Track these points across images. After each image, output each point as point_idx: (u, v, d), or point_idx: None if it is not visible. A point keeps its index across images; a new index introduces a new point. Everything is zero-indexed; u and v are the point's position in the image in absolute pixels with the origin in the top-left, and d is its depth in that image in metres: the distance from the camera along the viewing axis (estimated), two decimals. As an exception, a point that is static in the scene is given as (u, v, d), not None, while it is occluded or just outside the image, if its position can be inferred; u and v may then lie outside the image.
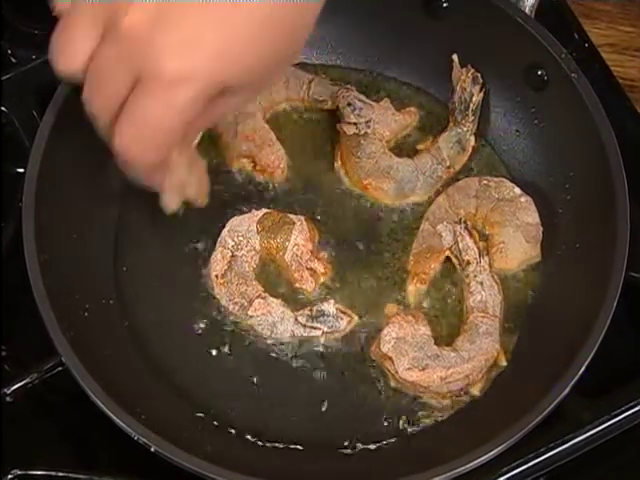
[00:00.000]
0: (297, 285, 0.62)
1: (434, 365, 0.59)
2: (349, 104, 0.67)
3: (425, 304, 0.63)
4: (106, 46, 0.42)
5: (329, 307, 0.61)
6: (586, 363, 0.55)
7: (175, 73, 0.40)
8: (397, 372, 0.59)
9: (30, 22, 0.71)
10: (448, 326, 0.62)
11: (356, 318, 0.62)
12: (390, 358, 0.59)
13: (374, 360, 0.61)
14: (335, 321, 0.61)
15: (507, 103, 0.68)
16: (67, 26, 0.43)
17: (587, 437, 0.57)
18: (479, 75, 0.67)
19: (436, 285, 0.64)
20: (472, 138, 0.68)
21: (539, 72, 0.64)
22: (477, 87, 0.67)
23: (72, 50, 0.43)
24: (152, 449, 0.52)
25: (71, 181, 0.61)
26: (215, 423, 0.59)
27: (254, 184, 0.66)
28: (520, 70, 0.66)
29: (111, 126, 0.44)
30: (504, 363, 0.61)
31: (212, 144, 0.66)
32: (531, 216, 0.64)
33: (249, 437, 0.59)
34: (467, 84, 0.67)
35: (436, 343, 0.60)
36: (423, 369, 0.59)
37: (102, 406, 0.53)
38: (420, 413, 0.59)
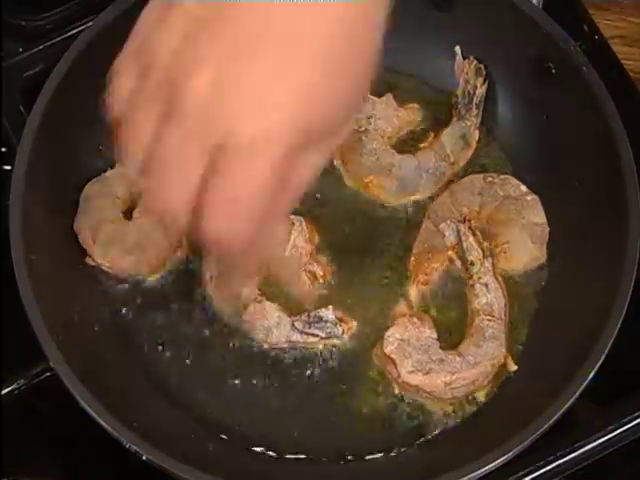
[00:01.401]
0: (294, 289, 0.62)
1: (438, 369, 0.59)
2: (350, 99, 0.67)
3: (427, 306, 0.63)
4: (172, 125, 0.40)
5: (327, 313, 0.61)
6: (596, 368, 0.55)
7: (253, 137, 0.39)
8: (399, 375, 0.59)
9: (17, 13, 0.71)
10: (451, 329, 0.62)
11: (355, 324, 0.62)
12: (393, 360, 0.59)
13: (375, 366, 0.61)
14: (333, 327, 0.61)
15: (514, 97, 0.67)
16: (131, 124, 0.41)
17: (598, 445, 0.57)
18: (482, 67, 0.67)
19: (439, 286, 0.63)
20: (476, 133, 0.67)
21: (547, 65, 0.64)
22: (480, 79, 0.67)
23: (137, 131, 0.41)
24: (143, 457, 0.52)
25: (59, 178, 0.61)
26: (209, 431, 0.58)
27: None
28: (528, 63, 0.65)
29: (190, 216, 0.42)
30: (514, 368, 0.60)
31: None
32: (537, 215, 0.64)
33: (244, 445, 0.58)
34: (470, 76, 0.67)
35: (440, 347, 0.60)
36: (427, 373, 0.59)
37: (92, 413, 0.52)
38: (423, 421, 0.59)
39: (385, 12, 0.43)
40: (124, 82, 0.42)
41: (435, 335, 0.60)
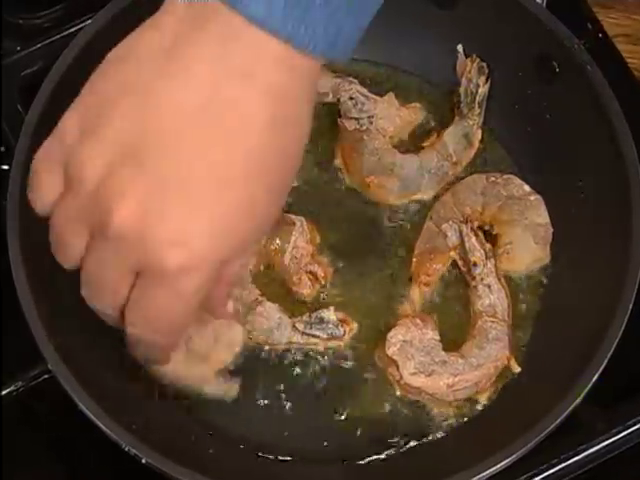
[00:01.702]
0: (295, 289, 0.62)
1: (441, 371, 0.58)
2: (351, 98, 0.66)
3: (429, 307, 0.62)
4: (98, 245, 0.43)
5: (329, 314, 0.60)
6: (600, 370, 0.54)
7: (176, 266, 0.41)
8: (402, 377, 0.59)
9: (16, 11, 0.70)
10: (454, 331, 0.61)
11: (356, 326, 0.62)
12: (395, 362, 0.59)
13: (377, 367, 0.60)
14: (335, 329, 0.60)
15: (516, 96, 0.67)
16: (58, 230, 0.44)
17: (601, 448, 0.56)
18: (484, 65, 0.67)
19: (441, 287, 0.63)
20: (479, 132, 0.67)
21: (550, 63, 0.64)
22: (483, 78, 0.67)
23: (65, 249, 0.44)
24: (143, 460, 0.51)
25: None
26: (210, 433, 0.58)
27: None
28: (530, 61, 0.65)
29: (119, 315, 0.46)
30: (517, 369, 0.60)
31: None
32: (541, 216, 0.64)
33: (244, 447, 0.58)
34: (473, 75, 0.67)
35: (442, 349, 0.60)
36: (429, 375, 0.58)
37: (91, 415, 0.52)
38: (425, 423, 0.59)
39: (315, 79, 0.43)
40: (48, 183, 0.43)
41: (438, 337, 0.60)
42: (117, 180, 0.41)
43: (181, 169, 0.40)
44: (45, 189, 0.44)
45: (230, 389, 0.59)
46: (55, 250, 0.45)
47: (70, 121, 0.43)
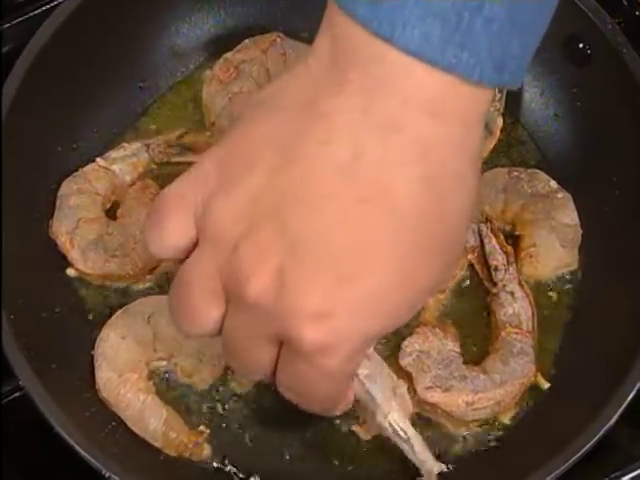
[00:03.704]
0: None
1: (460, 387, 0.57)
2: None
3: (445, 316, 0.61)
4: (235, 315, 0.42)
5: None
6: (636, 388, 0.54)
7: (317, 344, 0.41)
8: (415, 392, 0.57)
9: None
10: (473, 343, 0.61)
11: None
12: (408, 374, 0.58)
13: None
14: None
15: (544, 81, 0.66)
16: (186, 294, 0.44)
17: (638, 475, 0.55)
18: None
19: (458, 295, 0.62)
20: (500, 120, 0.66)
21: (581, 45, 0.64)
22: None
23: (198, 316, 0.44)
24: (124, 489, 0.51)
25: (31, 177, 0.60)
26: (192, 458, 0.57)
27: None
28: (559, 43, 0.64)
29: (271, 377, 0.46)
30: (546, 385, 0.59)
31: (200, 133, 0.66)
32: (569, 215, 0.63)
33: (239, 470, 0.57)
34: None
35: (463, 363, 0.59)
36: (446, 390, 0.57)
37: (67, 438, 0.52)
38: (441, 447, 0.58)
39: (478, 120, 0.41)
40: (176, 226, 0.43)
41: (458, 349, 0.59)
42: (255, 243, 0.40)
43: (325, 235, 0.40)
44: (172, 232, 0.43)
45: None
46: (182, 315, 0.44)
47: (211, 163, 0.43)
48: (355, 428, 0.56)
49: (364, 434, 0.56)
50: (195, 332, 0.44)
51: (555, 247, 0.62)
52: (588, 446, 0.52)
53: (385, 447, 0.56)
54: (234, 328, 0.43)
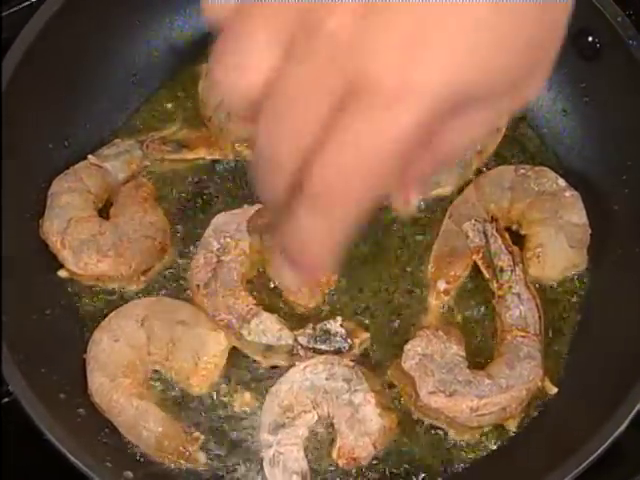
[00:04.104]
0: (293, 299, 0.61)
1: (464, 392, 0.57)
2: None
3: (450, 319, 0.61)
4: (299, 61, 0.37)
5: (336, 326, 0.59)
6: None
7: (396, 87, 0.36)
8: (418, 396, 0.57)
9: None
10: (477, 347, 0.60)
11: (367, 337, 0.60)
12: (412, 378, 0.57)
13: (390, 387, 0.59)
14: (343, 342, 0.59)
15: (551, 77, 0.64)
16: (240, 34, 0.39)
17: (650, 482, 0.55)
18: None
19: (463, 296, 0.61)
20: (506, 115, 0.65)
21: (590, 39, 0.64)
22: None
23: (248, 63, 0.38)
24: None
25: (26, 158, 0.60)
26: (187, 465, 0.57)
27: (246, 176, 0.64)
28: (568, 36, 0.61)
29: (300, 170, 0.38)
30: (554, 390, 0.60)
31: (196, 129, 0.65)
32: (577, 214, 0.63)
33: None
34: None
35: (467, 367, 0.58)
36: (450, 395, 0.57)
37: (58, 444, 0.51)
38: (444, 453, 0.57)
39: None
40: None
41: (463, 353, 0.59)
42: None
43: None
44: None
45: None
46: (226, 65, 0.38)
47: None
48: None
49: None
50: (242, 84, 0.38)
51: (563, 247, 0.62)
52: (597, 453, 0.51)
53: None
54: (296, 75, 0.37)
